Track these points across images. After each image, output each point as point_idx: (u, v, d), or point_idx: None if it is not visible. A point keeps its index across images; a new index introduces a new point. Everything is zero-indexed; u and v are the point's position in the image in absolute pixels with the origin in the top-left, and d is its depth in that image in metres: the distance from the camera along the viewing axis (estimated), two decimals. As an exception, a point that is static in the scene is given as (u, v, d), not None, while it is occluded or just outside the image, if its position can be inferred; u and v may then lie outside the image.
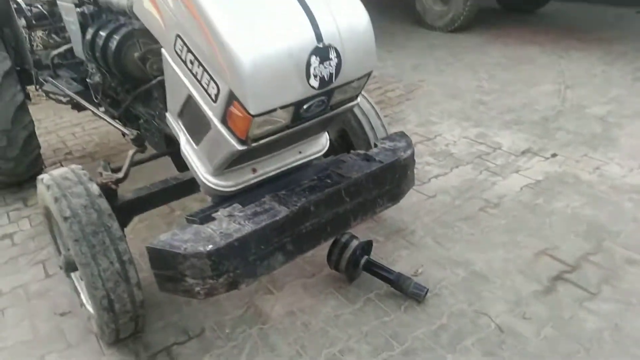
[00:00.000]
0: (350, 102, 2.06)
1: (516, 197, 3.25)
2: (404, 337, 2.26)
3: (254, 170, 2.13)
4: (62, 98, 3.24)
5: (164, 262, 1.79)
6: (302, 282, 2.63)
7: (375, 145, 2.40)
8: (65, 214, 1.94)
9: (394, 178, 2.26)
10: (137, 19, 2.14)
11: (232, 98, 1.68)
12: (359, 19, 1.86)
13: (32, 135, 3.45)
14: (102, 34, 2.45)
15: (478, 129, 4.26)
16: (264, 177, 2.16)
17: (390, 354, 2.18)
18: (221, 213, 1.92)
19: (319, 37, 1.71)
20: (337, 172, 2.15)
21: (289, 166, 2.22)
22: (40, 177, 2.14)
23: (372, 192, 2.19)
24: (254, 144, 1.82)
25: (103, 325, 2.06)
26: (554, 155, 3.75)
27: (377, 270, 2.51)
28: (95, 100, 2.83)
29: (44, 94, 3.52)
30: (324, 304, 2.48)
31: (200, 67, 1.75)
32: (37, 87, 3.54)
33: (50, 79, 3.30)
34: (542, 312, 2.35)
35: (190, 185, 2.38)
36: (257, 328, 2.36)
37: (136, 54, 2.28)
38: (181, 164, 2.38)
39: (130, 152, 2.36)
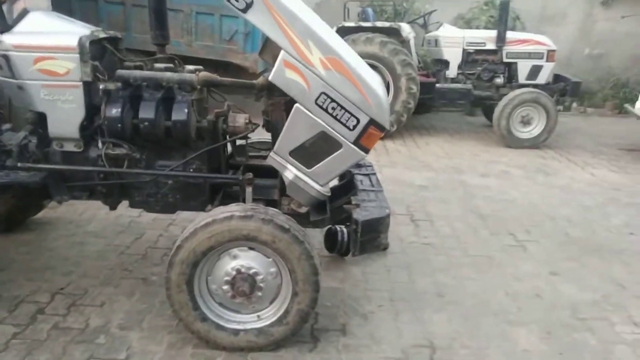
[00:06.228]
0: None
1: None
2: None
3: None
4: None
5: (372, 227, 2.75)
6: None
7: None
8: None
9: None
10: (201, 90, 2.98)
11: (370, 124, 2.86)
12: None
13: None
14: (150, 107, 2.91)
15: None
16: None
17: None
18: (354, 201, 2.99)
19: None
20: None
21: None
22: (226, 212, 2.58)
23: None
24: (366, 153, 3.01)
25: None
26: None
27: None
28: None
29: None
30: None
31: (342, 110, 2.83)
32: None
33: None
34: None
35: None
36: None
37: (209, 117, 2.96)
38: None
39: (250, 189, 2.90)
